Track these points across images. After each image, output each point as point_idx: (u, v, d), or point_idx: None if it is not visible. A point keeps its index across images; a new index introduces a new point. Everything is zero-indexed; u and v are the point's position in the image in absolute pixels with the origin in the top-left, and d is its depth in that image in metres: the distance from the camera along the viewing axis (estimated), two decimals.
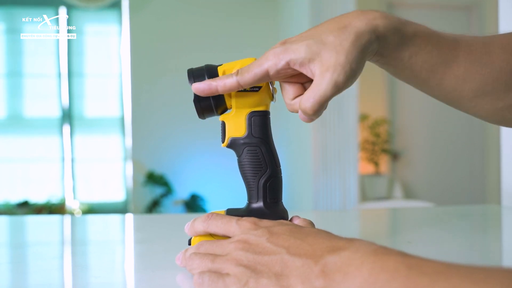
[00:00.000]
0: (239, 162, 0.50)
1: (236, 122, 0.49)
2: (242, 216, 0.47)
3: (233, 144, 0.49)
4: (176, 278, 0.45)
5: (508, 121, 0.54)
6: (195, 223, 0.47)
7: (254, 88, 0.48)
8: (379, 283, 0.30)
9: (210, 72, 0.49)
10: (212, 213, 0.46)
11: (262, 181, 0.49)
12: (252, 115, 0.49)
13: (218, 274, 0.39)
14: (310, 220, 0.47)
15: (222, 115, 0.50)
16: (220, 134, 0.51)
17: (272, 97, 0.50)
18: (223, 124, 0.50)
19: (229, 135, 0.49)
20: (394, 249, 0.33)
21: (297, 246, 0.37)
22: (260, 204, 0.49)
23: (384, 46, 0.46)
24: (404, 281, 0.29)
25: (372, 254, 0.33)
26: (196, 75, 0.49)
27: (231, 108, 0.50)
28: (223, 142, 0.50)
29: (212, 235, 0.46)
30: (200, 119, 0.54)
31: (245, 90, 0.48)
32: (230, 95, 0.49)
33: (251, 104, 0.49)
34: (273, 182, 0.49)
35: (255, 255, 0.38)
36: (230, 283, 0.37)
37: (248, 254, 0.38)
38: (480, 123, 3.99)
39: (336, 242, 0.36)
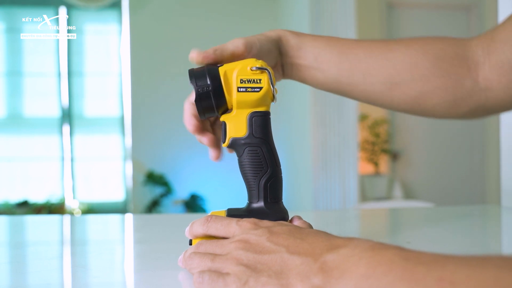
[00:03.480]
0: (240, 162, 0.50)
1: (237, 122, 0.49)
2: (242, 216, 0.47)
3: (234, 144, 0.49)
4: (176, 278, 0.45)
5: (427, 108, 0.60)
6: (194, 226, 0.46)
7: (255, 89, 0.49)
8: (376, 276, 0.30)
9: (211, 73, 0.49)
10: (211, 216, 0.46)
11: (262, 181, 0.49)
12: (253, 116, 0.49)
13: (218, 273, 0.39)
14: (309, 223, 0.48)
15: (223, 115, 0.50)
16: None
17: (273, 98, 0.50)
18: (224, 124, 0.50)
19: (230, 135, 0.49)
20: (391, 245, 0.33)
21: (296, 245, 0.37)
22: (260, 204, 0.49)
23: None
24: (401, 272, 0.29)
25: (369, 249, 0.33)
26: (197, 75, 0.49)
27: (231, 108, 0.50)
28: (224, 142, 0.50)
29: (212, 236, 0.46)
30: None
31: (246, 91, 0.48)
32: (231, 96, 0.49)
33: (252, 104, 0.49)
34: (273, 182, 0.49)
35: (255, 254, 0.38)
36: (230, 282, 0.37)
37: (249, 253, 0.38)
38: (480, 123, 3.99)
39: (335, 241, 0.36)
